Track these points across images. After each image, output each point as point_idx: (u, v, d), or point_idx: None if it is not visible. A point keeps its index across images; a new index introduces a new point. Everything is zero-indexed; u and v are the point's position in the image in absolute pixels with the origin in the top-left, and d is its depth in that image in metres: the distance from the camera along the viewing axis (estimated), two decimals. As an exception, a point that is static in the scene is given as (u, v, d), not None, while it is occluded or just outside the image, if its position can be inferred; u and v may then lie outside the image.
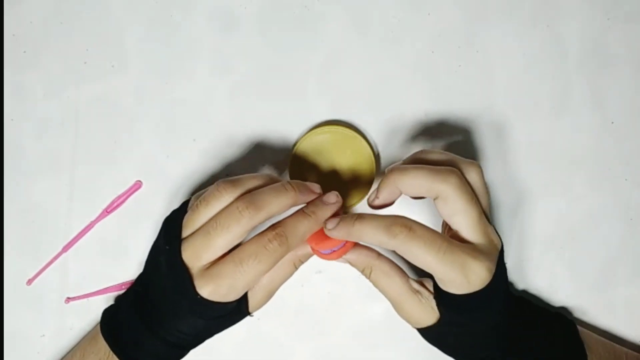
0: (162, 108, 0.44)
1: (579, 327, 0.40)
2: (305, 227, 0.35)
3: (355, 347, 0.44)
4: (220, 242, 0.35)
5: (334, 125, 0.42)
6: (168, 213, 0.38)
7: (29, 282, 0.43)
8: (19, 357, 0.43)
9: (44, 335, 0.43)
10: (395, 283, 0.37)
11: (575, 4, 0.44)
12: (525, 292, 0.44)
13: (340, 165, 0.42)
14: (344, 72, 0.44)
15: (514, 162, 0.44)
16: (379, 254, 0.38)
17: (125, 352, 0.37)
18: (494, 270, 0.34)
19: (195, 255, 0.35)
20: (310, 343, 0.44)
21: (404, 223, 0.34)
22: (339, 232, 0.35)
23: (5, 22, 0.44)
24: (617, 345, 0.41)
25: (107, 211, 0.44)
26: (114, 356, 0.37)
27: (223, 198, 0.35)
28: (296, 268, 0.39)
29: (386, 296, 0.38)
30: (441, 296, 0.36)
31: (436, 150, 0.37)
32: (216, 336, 0.39)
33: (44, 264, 0.43)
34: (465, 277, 0.33)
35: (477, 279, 0.34)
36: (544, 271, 0.43)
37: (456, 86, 0.44)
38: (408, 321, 0.38)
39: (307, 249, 0.38)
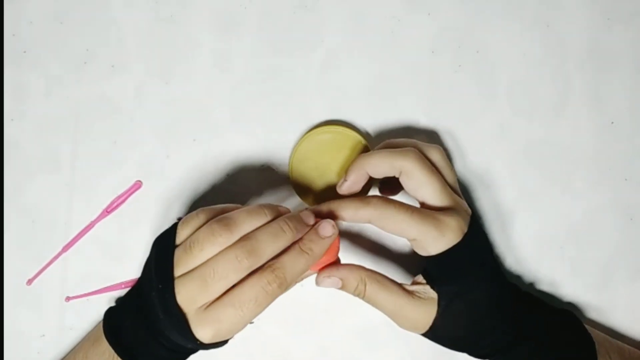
0: (162, 108, 0.44)
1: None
2: (303, 264, 0.35)
3: (355, 347, 0.44)
4: (218, 289, 0.34)
5: (334, 125, 0.42)
6: (168, 213, 0.38)
7: (29, 282, 0.43)
8: (19, 357, 0.43)
9: (44, 335, 0.43)
10: (392, 291, 0.37)
11: (575, 4, 0.44)
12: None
13: (340, 164, 0.42)
14: (344, 72, 0.44)
15: (514, 162, 0.44)
16: (369, 269, 0.38)
17: (130, 355, 0.37)
18: (465, 226, 0.37)
19: (191, 299, 0.34)
20: (310, 343, 0.44)
21: (377, 195, 0.38)
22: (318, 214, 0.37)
23: (5, 22, 0.44)
24: (619, 341, 0.41)
25: (107, 211, 0.44)
26: (116, 356, 0.37)
27: (218, 242, 0.34)
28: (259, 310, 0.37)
29: (385, 309, 0.38)
30: (430, 271, 0.37)
31: (401, 139, 0.40)
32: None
33: (44, 264, 0.43)
34: (438, 231, 0.36)
35: (449, 230, 0.36)
36: (544, 271, 0.43)
37: (456, 86, 0.44)
38: (414, 328, 0.37)
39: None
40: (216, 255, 0.34)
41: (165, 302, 0.35)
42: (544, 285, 0.43)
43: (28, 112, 0.44)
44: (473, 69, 0.44)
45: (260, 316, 0.42)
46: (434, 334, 0.37)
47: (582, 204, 0.44)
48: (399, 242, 0.44)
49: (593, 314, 0.43)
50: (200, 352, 0.41)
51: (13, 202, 0.44)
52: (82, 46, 0.44)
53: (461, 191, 0.40)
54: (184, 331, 0.34)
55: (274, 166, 0.43)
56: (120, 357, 0.37)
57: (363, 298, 0.38)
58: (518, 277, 0.44)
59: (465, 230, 0.36)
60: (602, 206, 0.44)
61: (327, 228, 0.36)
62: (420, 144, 0.39)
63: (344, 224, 0.43)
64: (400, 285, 0.38)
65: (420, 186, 0.37)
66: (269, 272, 0.34)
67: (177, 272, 0.35)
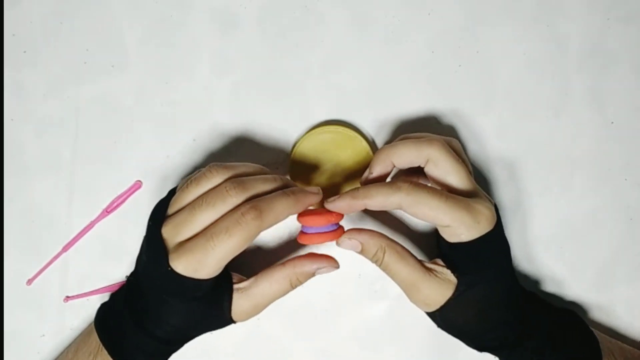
0: (162, 108, 0.44)
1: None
2: (283, 205, 0.35)
3: (355, 347, 0.44)
4: (203, 218, 0.34)
5: (334, 125, 0.42)
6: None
7: (29, 282, 0.43)
8: (19, 357, 0.43)
9: (44, 335, 0.43)
10: (409, 263, 0.36)
11: (575, 4, 0.44)
12: (525, 292, 0.44)
13: (340, 165, 0.42)
14: (344, 72, 0.44)
15: (514, 162, 0.44)
16: (390, 238, 0.37)
17: (113, 345, 0.37)
18: (495, 215, 0.36)
19: (175, 230, 0.35)
20: (310, 343, 0.44)
21: (406, 179, 0.36)
22: (343, 202, 0.36)
23: (5, 22, 0.44)
24: (619, 342, 0.41)
25: (107, 211, 0.44)
26: (103, 350, 0.37)
27: (214, 179, 0.36)
28: (292, 287, 0.37)
29: (399, 280, 0.37)
30: (453, 258, 0.37)
31: (417, 133, 0.40)
32: (216, 336, 0.39)
33: (44, 264, 0.43)
34: (473, 218, 0.35)
35: (483, 218, 0.35)
36: (544, 271, 0.43)
37: (456, 86, 0.44)
38: (423, 303, 0.37)
39: (307, 266, 0.37)
40: (208, 190, 0.35)
41: (150, 234, 0.36)
42: (544, 285, 0.43)
43: (28, 112, 0.44)
44: (473, 69, 0.44)
45: (260, 316, 0.42)
46: (443, 316, 0.37)
47: (582, 204, 0.44)
48: (411, 224, 0.44)
49: (593, 314, 0.43)
50: (200, 352, 0.41)
51: (13, 202, 0.44)
52: (82, 46, 0.44)
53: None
54: (160, 260, 0.35)
55: (274, 166, 0.43)
56: (106, 349, 0.37)
57: (380, 266, 0.37)
58: (518, 278, 0.43)
59: (496, 219, 0.36)
60: (602, 206, 0.44)
61: (313, 188, 0.37)
62: (437, 136, 0.39)
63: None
64: (419, 260, 0.37)
65: (448, 173, 0.36)
66: (245, 204, 0.34)
67: (171, 211, 0.36)
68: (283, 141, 0.44)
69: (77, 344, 0.40)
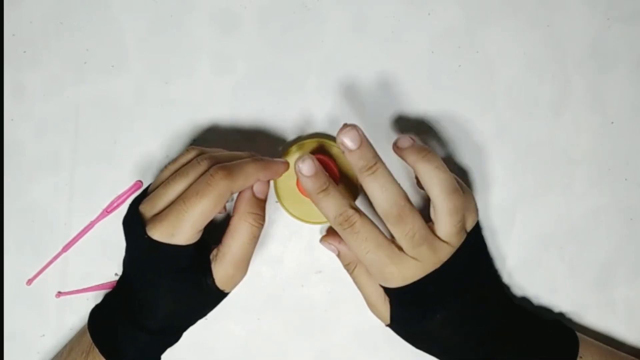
0: (162, 108, 0.44)
1: (579, 335, 0.39)
2: (252, 168, 0.36)
3: (355, 347, 0.44)
4: (176, 188, 0.36)
5: (317, 139, 0.42)
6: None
7: (29, 282, 0.43)
8: (19, 357, 0.43)
9: (44, 335, 0.43)
10: (372, 283, 0.39)
11: (575, 4, 0.44)
12: (525, 293, 0.44)
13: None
14: (344, 72, 0.44)
15: (514, 162, 0.44)
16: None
17: (104, 342, 0.37)
18: (410, 279, 0.36)
19: (151, 204, 0.36)
20: (310, 343, 0.44)
21: (350, 215, 0.36)
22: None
23: (5, 22, 0.44)
24: (617, 351, 0.41)
25: (107, 211, 0.44)
26: (95, 348, 0.37)
27: (190, 156, 0.37)
28: (254, 227, 0.37)
29: (362, 292, 0.40)
30: (386, 293, 0.38)
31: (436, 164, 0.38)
32: (216, 336, 0.39)
33: (44, 264, 0.43)
34: (382, 275, 0.36)
35: (391, 279, 0.36)
36: (544, 271, 0.43)
37: (456, 86, 0.44)
38: (377, 317, 0.40)
39: (246, 193, 0.38)
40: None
41: (129, 211, 0.37)
42: (544, 285, 0.43)
43: (28, 112, 0.44)
44: (473, 69, 0.44)
45: (260, 316, 0.42)
46: (394, 330, 0.40)
47: (582, 204, 0.44)
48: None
49: (593, 314, 0.43)
50: (200, 352, 0.41)
51: (13, 202, 0.44)
52: (82, 46, 0.44)
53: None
54: (138, 231, 0.35)
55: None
56: (97, 346, 0.37)
57: (350, 274, 0.40)
58: (518, 278, 0.43)
59: (409, 282, 0.36)
60: (602, 206, 0.44)
61: (281, 160, 0.39)
62: (444, 189, 0.36)
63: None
64: (380, 285, 0.39)
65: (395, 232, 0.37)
66: (215, 166, 0.35)
67: (150, 190, 0.38)
68: (283, 141, 0.44)
69: (71, 344, 0.40)
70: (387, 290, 0.38)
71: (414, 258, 0.36)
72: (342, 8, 0.44)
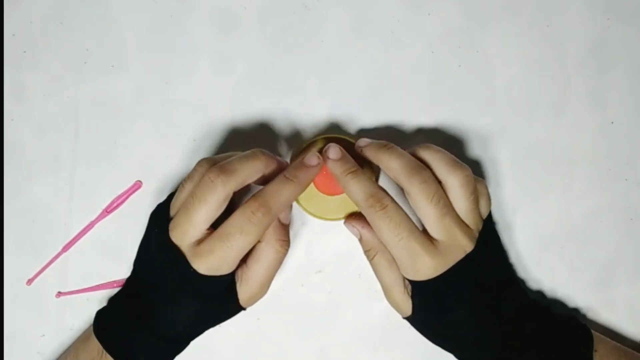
0: (162, 108, 0.44)
1: (594, 333, 0.39)
2: (288, 192, 0.35)
3: (355, 347, 0.44)
4: (200, 215, 0.35)
5: (334, 135, 0.41)
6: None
7: (29, 282, 0.43)
8: (19, 357, 0.43)
9: (44, 335, 0.43)
10: (393, 272, 0.38)
11: (575, 4, 0.44)
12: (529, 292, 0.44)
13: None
14: (344, 72, 0.44)
15: (514, 162, 0.44)
16: (384, 247, 0.38)
17: (118, 349, 0.37)
18: (444, 267, 0.36)
19: (182, 233, 0.35)
20: (310, 343, 0.44)
21: (382, 197, 0.35)
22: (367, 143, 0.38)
23: (5, 22, 0.44)
24: (627, 348, 0.41)
25: (107, 211, 0.44)
26: (107, 355, 0.37)
27: (203, 170, 0.36)
28: (280, 252, 0.38)
29: (381, 281, 0.39)
30: (411, 285, 0.37)
31: (436, 149, 0.38)
32: (216, 336, 0.39)
33: (44, 264, 0.43)
34: (412, 265, 0.36)
35: (424, 269, 0.35)
36: (544, 271, 0.43)
37: (456, 86, 0.44)
38: (395, 308, 0.39)
39: (272, 227, 0.38)
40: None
41: (160, 241, 0.36)
42: (544, 286, 0.43)
43: (28, 112, 0.44)
44: (473, 69, 0.44)
45: (260, 316, 0.42)
46: (412, 323, 0.39)
47: (582, 204, 0.44)
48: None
49: (593, 314, 0.43)
50: (200, 352, 0.41)
51: (13, 202, 0.44)
52: (82, 46, 0.44)
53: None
54: (179, 264, 0.35)
55: (274, 166, 0.43)
56: (110, 354, 0.37)
57: (370, 262, 0.39)
58: (518, 278, 0.43)
59: (441, 272, 0.35)
60: (602, 206, 0.44)
61: (312, 159, 0.37)
62: (449, 163, 0.37)
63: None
64: (401, 275, 0.38)
65: (416, 210, 0.36)
66: (252, 201, 0.35)
67: (172, 213, 0.37)
68: (283, 141, 0.44)
69: (76, 349, 0.39)
70: (411, 282, 0.37)
71: (443, 241, 0.36)
72: (342, 8, 0.44)
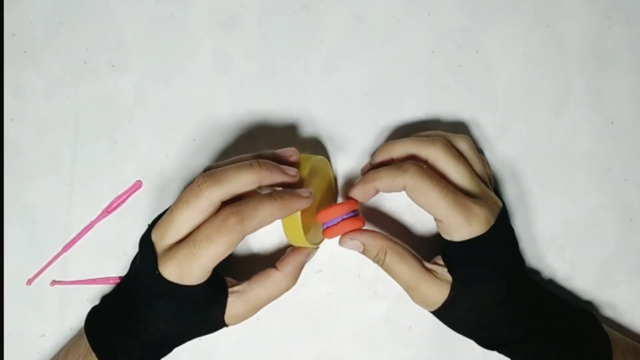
0: (162, 108, 0.44)
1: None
2: (267, 211, 0.33)
3: (355, 347, 0.44)
4: (180, 217, 0.34)
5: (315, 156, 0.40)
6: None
7: (29, 282, 0.43)
8: (19, 357, 0.43)
9: (44, 335, 0.43)
10: (410, 265, 0.37)
11: (575, 4, 0.44)
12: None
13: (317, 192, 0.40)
14: (344, 72, 0.44)
15: (514, 162, 0.44)
16: (392, 239, 0.38)
17: (101, 348, 0.37)
18: (493, 218, 0.36)
19: (161, 232, 0.35)
20: (310, 343, 0.44)
21: (415, 162, 0.36)
22: (356, 188, 0.37)
23: (5, 22, 0.44)
24: (634, 342, 0.41)
25: (107, 211, 0.44)
26: (92, 353, 0.37)
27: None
28: (288, 287, 0.38)
29: (401, 281, 0.38)
30: (450, 256, 0.37)
31: (428, 131, 0.41)
32: (216, 336, 0.39)
33: (44, 264, 0.43)
34: (465, 219, 0.35)
35: (476, 220, 0.35)
36: (544, 271, 0.43)
37: (456, 86, 0.44)
38: (424, 303, 0.38)
39: (298, 259, 0.38)
40: None
41: (142, 238, 0.36)
42: (544, 285, 0.43)
43: (28, 112, 0.44)
44: (473, 69, 0.44)
45: (260, 316, 0.42)
46: (444, 315, 0.38)
47: (582, 204, 0.44)
48: (420, 222, 0.44)
49: (593, 313, 0.43)
50: (200, 352, 0.41)
51: (13, 202, 0.44)
52: (82, 46, 0.44)
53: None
54: (150, 263, 0.35)
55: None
56: (95, 352, 0.37)
57: (382, 266, 0.38)
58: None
59: (492, 222, 0.36)
60: (602, 206, 0.44)
61: (303, 191, 0.35)
62: (447, 134, 0.39)
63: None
64: (419, 261, 0.38)
65: (448, 173, 0.37)
66: (227, 209, 0.33)
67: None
68: (283, 141, 0.44)
69: (68, 347, 0.40)
70: (453, 248, 0.36)
71: (480, 196, 0.37)
72: (342, 8, 0.44)
